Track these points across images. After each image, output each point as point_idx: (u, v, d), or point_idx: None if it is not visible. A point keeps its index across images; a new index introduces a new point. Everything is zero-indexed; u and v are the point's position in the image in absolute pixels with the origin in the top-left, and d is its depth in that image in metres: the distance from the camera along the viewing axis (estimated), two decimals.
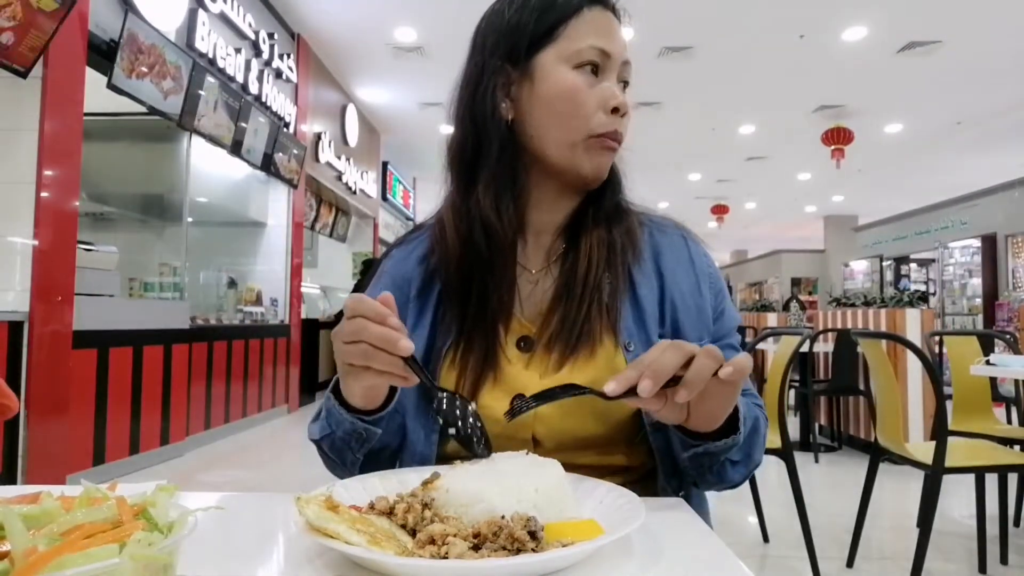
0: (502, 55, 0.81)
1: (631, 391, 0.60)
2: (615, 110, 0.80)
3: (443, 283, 0.85)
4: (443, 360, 0.82)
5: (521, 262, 0.85)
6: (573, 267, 0.83)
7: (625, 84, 0.84)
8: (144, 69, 4.14)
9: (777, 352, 2.81)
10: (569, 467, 0.61)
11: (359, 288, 1.00)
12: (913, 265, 12.44)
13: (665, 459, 0.80)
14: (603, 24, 0.81)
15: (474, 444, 0.66)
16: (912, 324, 4.19)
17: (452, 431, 0.66)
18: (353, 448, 0.78)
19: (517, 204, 0.83)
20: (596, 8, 0.82)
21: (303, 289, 7.30)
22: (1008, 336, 3.55)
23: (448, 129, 0.88)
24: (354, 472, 0.78)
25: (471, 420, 0.66)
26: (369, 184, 9.28)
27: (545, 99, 0.80)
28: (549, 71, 0.80)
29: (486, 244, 0.81)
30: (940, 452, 2.12)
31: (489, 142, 0.81)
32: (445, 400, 0.67)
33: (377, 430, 0.76)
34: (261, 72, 5.84)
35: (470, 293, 0.82)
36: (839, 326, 4.85)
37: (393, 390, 0.75)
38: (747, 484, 2.70)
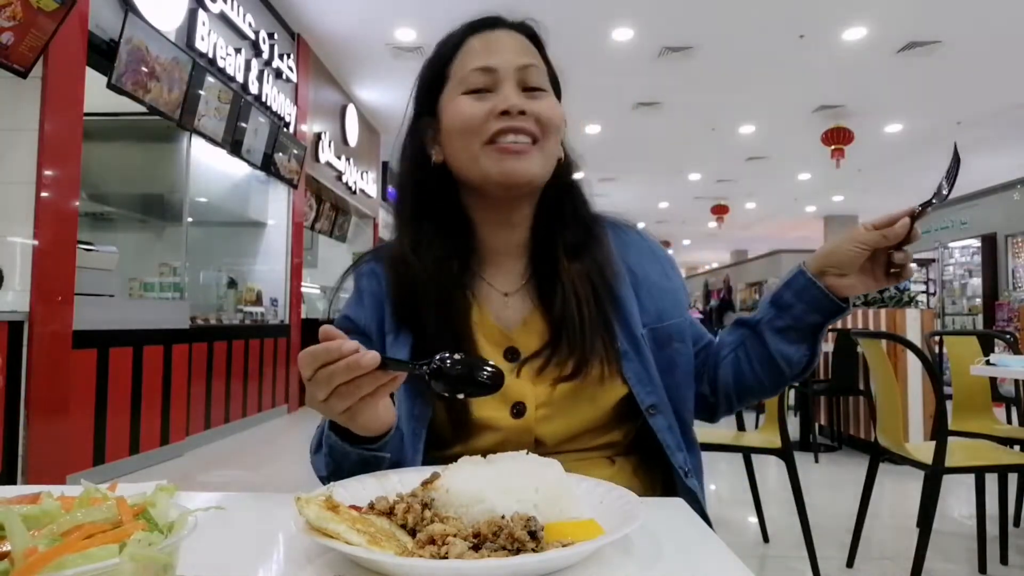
0: (423, 110, 0.92)
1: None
2: (504, 113, 0.83)
3: (408, 318, 0.88)
4: None
5: (490, 282, 0.91)
6: (563, 308, 0.86)
7: (536, 89, 0.87)
8: (144, 68, 4.14)
9: None
10: (570, 452, 0.62)
11: None
12: (913, 265, 12.42)
13: (669, 436, 0.86)
14: (484, 46, 0.87)
15: (485, 380, 0.65)
16: (912, 324, 4.18)
17: (461, 395, 0.66)
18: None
19: (468, 232, 0.91)
20: (476, 35, 0.89)
21: (303, 289, 7.30)
22: (1008, 336, 3.55)
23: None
24: None
25: (462, 367, 0.65)
26: (369, 184, 9.28)
27: (449, 130, 0.87)
28: (447, 106, 0.88)
29: (442, 276, 0.86)
30: (940, 452, 2.11)
31: (428, 185, 0.91)
32: (431, 373, 0.65)
33: (386, 455, 0.76)
34: (261, 72, 5.84)
35: (430, 322, 0.85)
36: (839, 326, 4.84)
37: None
38: (747, 484, 2.70)
